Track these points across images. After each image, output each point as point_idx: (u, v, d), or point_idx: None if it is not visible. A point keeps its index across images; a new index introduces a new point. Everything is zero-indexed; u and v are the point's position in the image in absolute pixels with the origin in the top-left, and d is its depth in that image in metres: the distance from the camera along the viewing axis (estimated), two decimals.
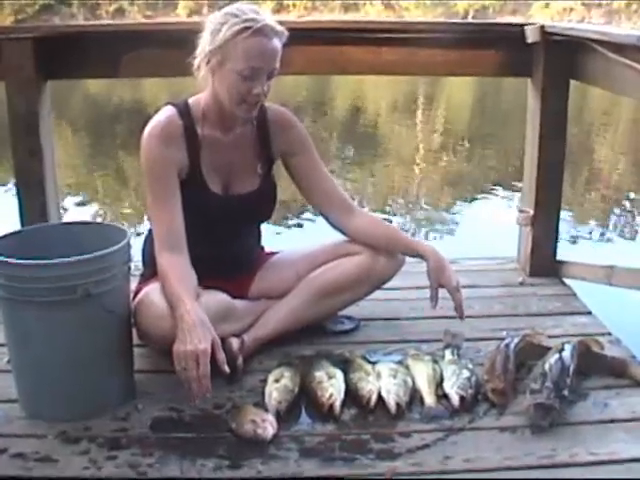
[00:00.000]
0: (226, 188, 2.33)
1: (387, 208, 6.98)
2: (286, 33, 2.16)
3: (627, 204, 7.13)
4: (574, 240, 5.77)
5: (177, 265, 2.14)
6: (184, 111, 2.25)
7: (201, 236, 2.22)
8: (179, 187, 2.21)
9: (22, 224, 2.79)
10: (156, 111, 2.26)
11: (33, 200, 2.85)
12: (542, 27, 2.81)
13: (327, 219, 2.47)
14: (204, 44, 2.14)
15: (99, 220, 6.10)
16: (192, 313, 1.98)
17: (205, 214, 2.26)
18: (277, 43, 2.12)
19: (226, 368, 1.97)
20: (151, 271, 2.29)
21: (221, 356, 1.97)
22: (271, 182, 2.41)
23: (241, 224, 2.40)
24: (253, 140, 2.35)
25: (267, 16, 2.13)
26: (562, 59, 2.87)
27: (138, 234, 2.45)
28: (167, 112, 2.24)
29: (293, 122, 2.40)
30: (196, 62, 2.17)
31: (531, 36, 2.83)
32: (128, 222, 6.13)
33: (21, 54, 2.70)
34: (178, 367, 1.91)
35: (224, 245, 2.35)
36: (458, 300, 2.36)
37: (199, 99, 2.26)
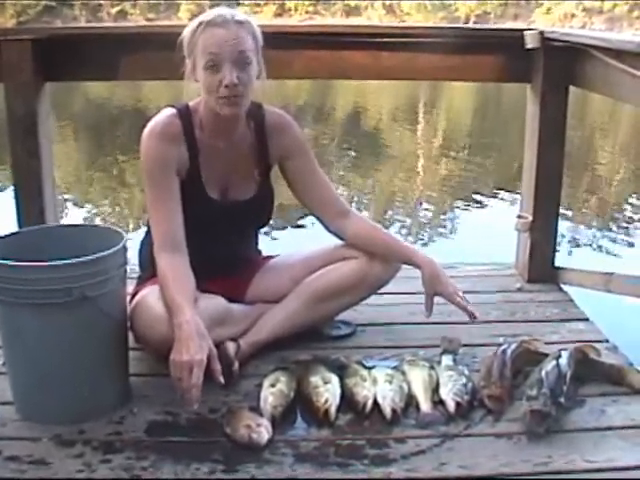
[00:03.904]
0: (224, 194, 2.32)
1: (386, 212, 6.98)
2: (251, 22, 2.17)
3: (626, 211, 7.14)
4: (573, 246, 5.78)
5: (176, 267, 2.14)
6: (184, 114, 2.25)
7: (198, 240, 2.21)
8: (179, 188, 2.21)
9: (20, 225, 2.79)
10: (156, 113, 2.27)
11: (31, 202, 2.85)
12: (541, 33, 2.81)
13: (323, 223, 2.45)
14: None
15: (96, 222, 6.10)
16: (191, 323, 1.97)
17: (203, 220, 2.25)
18: (237, 30, 2.11)
19: (221, 379, 1.97)
20: (148, 274, 2.29)
21: (217, 367, 1.97)
22: (269, 188, 2.40)
23: (239, 229, 2.39)
24: (251, 146, 2.34)
25: (235, 12, 2.14)
26: (561, 65, 2.86)
27: (135, 237, 2.45)
28: (167, 113, 2.25)
29: (290, 125, 2.39)
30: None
31: (530, 42, 2.83)
32: (125, 225, 6.14)
33: (20, 56, 2.70)
34: (173, 376, 1.91)
35: (221, 249, 2.34)
36: (461, 304, 2.35)
37: (199, 104, 2.26)
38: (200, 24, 2.12)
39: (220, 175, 2.29)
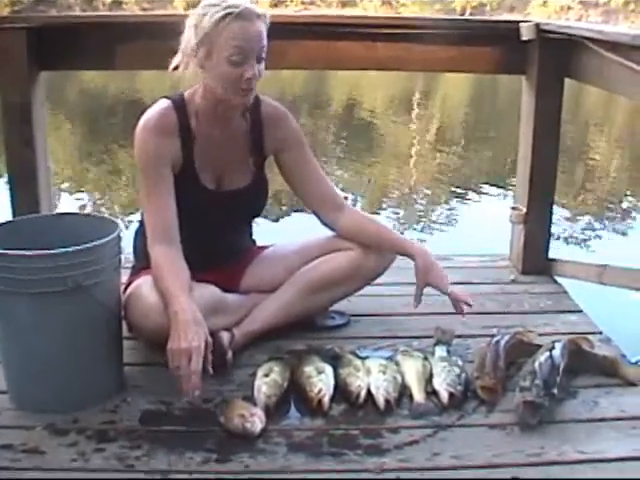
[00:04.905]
0: (219, 183, 2.32)
1: (381, 204, 6.98)
2: (268, 15, 2.16)
3: (620, 204, 7.15)
4: (566, 238, 5.79)
5: (170, 258, 2.13)
6: (179, 105, 2.24)
7: (192, 230, 2.21)
8: (173, 181, 2.21)
9: (14, 215, 2.78)
10: (151, 104, 2.26)
11: (25, 191, 2.84)
12: (537, 25, 2.81)
13: (317, 216, 2.46)
14: (188, 39, 2.13)
15: (91, 212, 6.09)
16: (187, 311, 1.97)
17: (197, 209, 2.25)
18: (260, 25, 2.11)
19: (210, 370, 1.96)
20: (142, 264, 2.28)
21: (208, 357, 1.96)
22: (263, 178, 2.40)
23: (233, 219, 2.39)
24: (246, 136, 2.34)
25: (253, 5, 2.12)
26: (557, 57, 2.86)
27: (129, 226, 2.46)
28: (162, 105, 2.23)
29: (286, 117, 2.39)
30: (178, 59, 2.17)
31: (526, 34, 2.82)
32: (120, 214, 6.13)
33: (15, 44, 2.69)
34: (172, 365, 1.90)
35: (215, 239, 2.35)
36: (453, 295, 2.35)
37: (195, 93, 2.24)
38: (228, 14, 2.05)
39: (215, 164, 2.29)
